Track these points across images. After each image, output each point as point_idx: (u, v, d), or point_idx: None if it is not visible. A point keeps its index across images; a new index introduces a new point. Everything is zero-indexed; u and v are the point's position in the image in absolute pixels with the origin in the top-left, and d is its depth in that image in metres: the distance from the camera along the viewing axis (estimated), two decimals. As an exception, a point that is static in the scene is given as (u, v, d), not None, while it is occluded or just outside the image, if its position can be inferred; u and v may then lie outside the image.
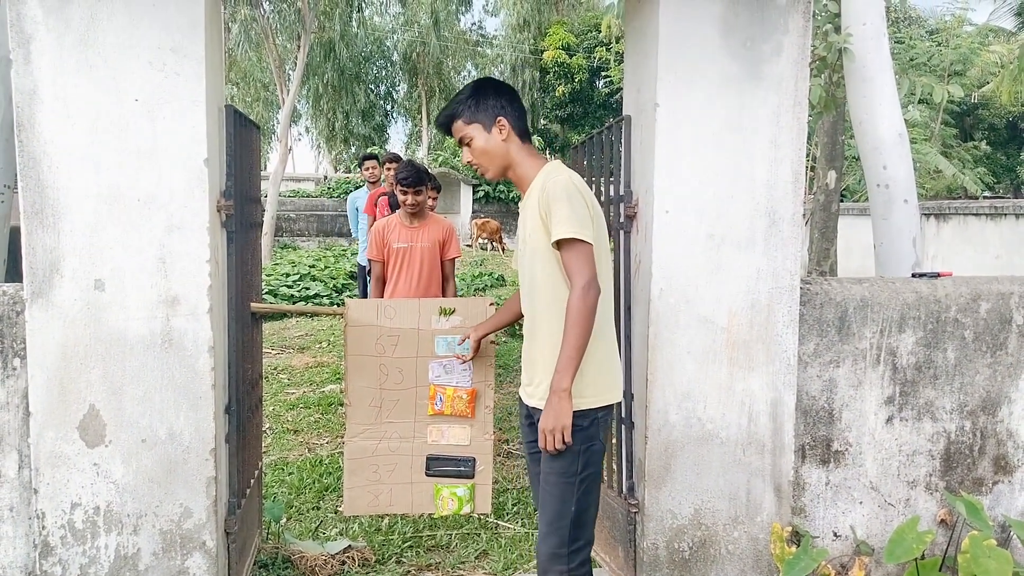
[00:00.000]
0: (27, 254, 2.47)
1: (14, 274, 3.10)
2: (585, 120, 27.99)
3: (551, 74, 27.96)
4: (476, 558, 3.41)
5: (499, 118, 2.35)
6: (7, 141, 3.45)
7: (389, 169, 6.39)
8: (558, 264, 2.24)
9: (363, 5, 25.45)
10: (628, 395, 3.01)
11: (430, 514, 3.31)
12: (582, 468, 2.25)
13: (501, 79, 2.61)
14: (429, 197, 4.83)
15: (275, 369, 6.88)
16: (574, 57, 27.13)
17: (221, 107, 2.71)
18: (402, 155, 8.37)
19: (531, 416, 2.42)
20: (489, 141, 2.36)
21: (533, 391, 2.36)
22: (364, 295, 6.74)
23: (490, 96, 2.37)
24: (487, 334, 2.91)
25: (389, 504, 3.11)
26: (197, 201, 2.54)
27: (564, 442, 2.17)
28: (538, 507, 2.38)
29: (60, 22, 2.42)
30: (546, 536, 2.29)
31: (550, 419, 2.17)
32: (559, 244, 2.18)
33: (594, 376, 2.28)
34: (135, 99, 2.48)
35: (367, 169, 7.23)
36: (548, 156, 2.45)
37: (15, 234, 3.05)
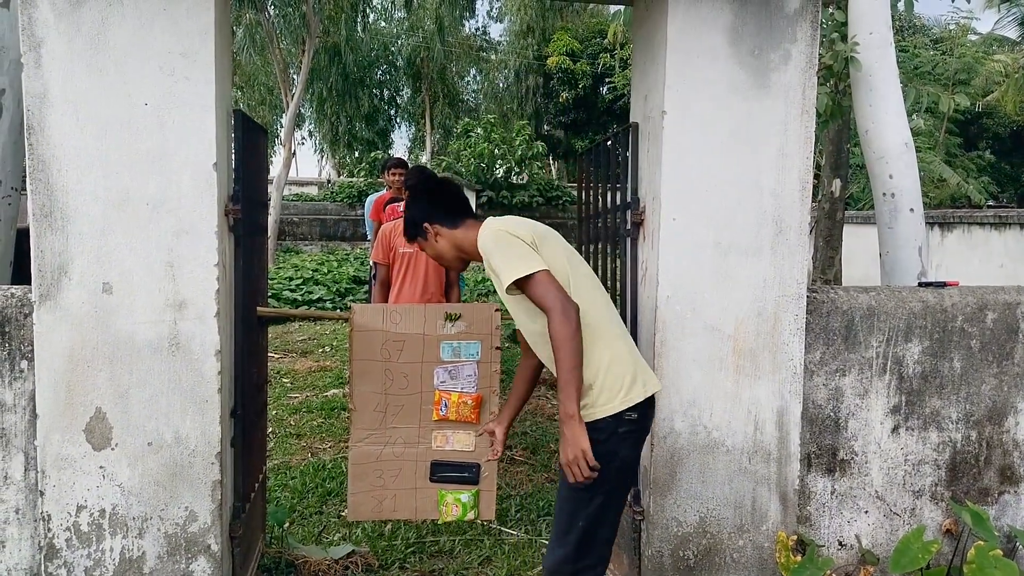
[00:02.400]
0: (35, 257, 2.48)
1: (21, 277, 3.10)
2: (589, 126, 28.00)
3: (555, 80, 27.98)
4: (479, 564, 3.41)
5: (425, 226, 2.46)
6: (15, 144, 3.46)
7: (395, 175, 6.38)
8: (531, 304, 2.23)
9: (368, 11, 25.52)
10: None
11: (434, 520, 3.30)
12: (597, 483, 2.16)
13: (432, 173, 2.66)
14: None
15: (278, 373, 6.88)
16: (578, 63, 27.14)
17: (230, 111, 2.72)
18: (406, 160, 8.31)
19: None
20: (433, 248, 2.49)
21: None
22: None
23: (413, 213, 2.49)
24: (509, 425, 2.84)
25: (393, 510, 3.10)
26: (205, 205, 2.54)
27: (591, 468, 2.10)
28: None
29: (71, 26, 2.43)
30: (552, 548, 2.27)
31: (568, 450, 2.11)
32: (518, 287, 2.18)
33: (600, 384, 2.21)
34: (145, 103, 2.49)
35: (395, 175, 6.81)
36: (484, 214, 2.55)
37: (23, 236, 3.05)
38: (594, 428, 2.18)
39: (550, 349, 2.18)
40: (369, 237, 7.40)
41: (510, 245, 2.22)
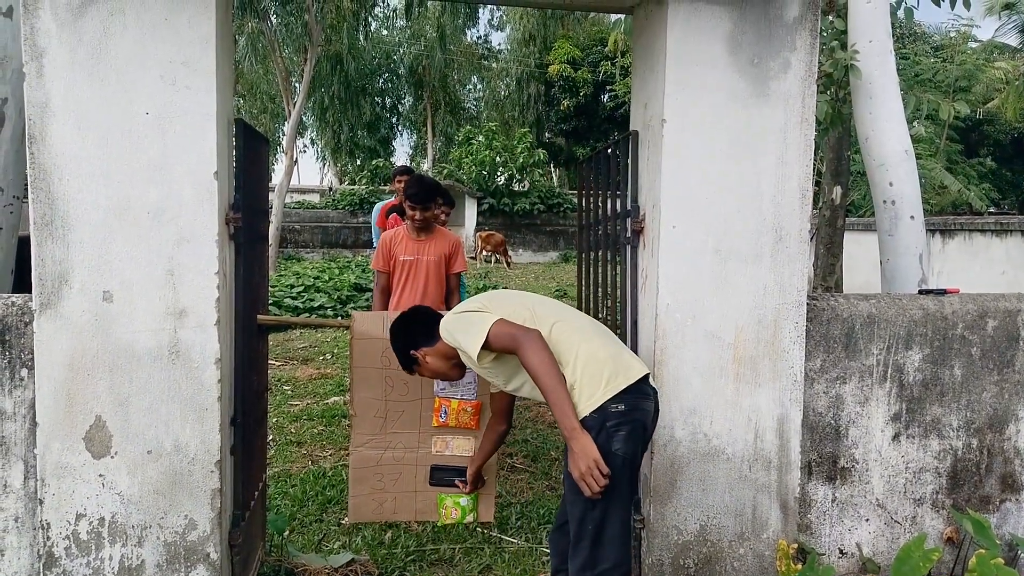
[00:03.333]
0: (36, 265, 2.48)
1: (22, 285, 3.11)
2: (590, 134, 28.06)
3: (556, 88, 28.08)
4: (480, 573, 3.40)
5: (412, 354, 2.61)
6: (17, 152, 3.47)
7: (399, 182, 6.39)
8: (504, 359, 2.40)
9: (370, 19, 25.61)
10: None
11: (433, 524, 3.30)
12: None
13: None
14: (442, 212, 4.85)
15: (279, 381, 6.88)
16: (579, 71, 27.23)
17: (231, 120, 2.73)
18: (412, 168, 8.30)
19: None
20: (430, 369, 2.62)
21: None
22: None
23: (400, 349, 2.64)
24: (481, 466, 3.03)
25: (393, 512, 3.11)
26: (206, 214, 2.55)
27: (604, 476, 2.13)
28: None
29: (73, 36, 2.45)
30: (572, 557, 2.31)
31: (579, 462, 2.14)
32: (486, 348, 2.32)
33: (579, 384, 2.26)
34: (146, 112, 2.50)
35: (400, 183, 6.88)
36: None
37: (24, 244, 3.06)
38: (584, 425, 2.20)
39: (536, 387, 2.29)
40: (374, 244, 7.39)
41: (461, 322, 2.42)
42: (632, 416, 2.26)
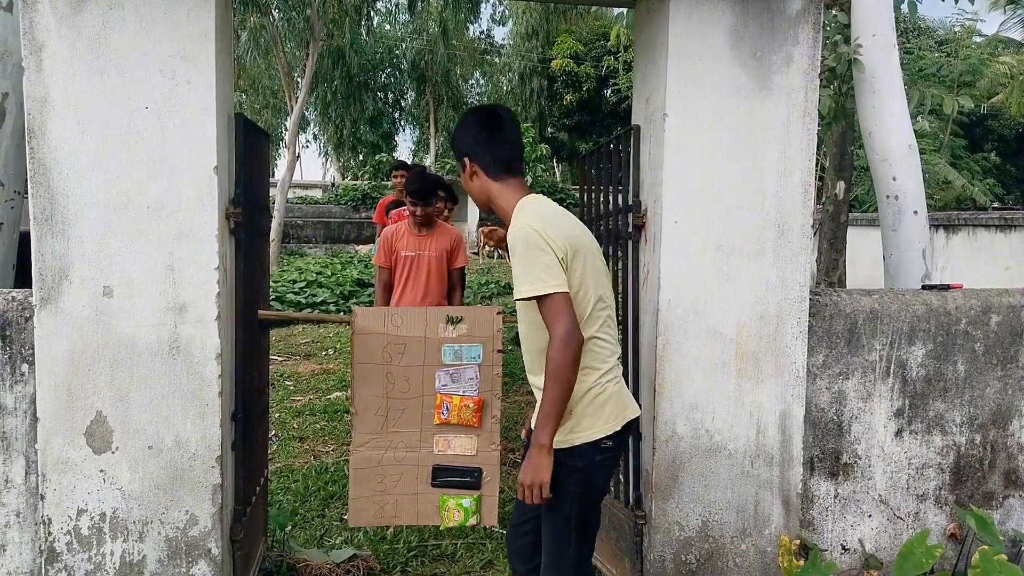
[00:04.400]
0: (36, 260, 2.48)
1: (23, 280, 3.10)
2: (593, 128, 28.01)
3: (559, 83, 28.03)
4: (482, 568, 3.40)
5: (464, 159, 2.32)
6: (18, 147, 3.47)
7: (396, 177, 6.40)
8: (536, 312, 2.14)
9: (372, 13, 25.55)
10: (635, 406, 2.99)
11: (436, 525, 3.29)
12: (578, 513, 2.19)
13: (493, 102, 2.59)
14: (447, 208, 4.85)
15: (281, 376, 6.88)
16: (582, 66, 27.17)
17: (231, 114, 2.72)
18: (409, 163, 8.32)
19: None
20: (466, 181, 2.35)
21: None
22: None
23: (460, 135, 2.35)
24: None
25: (395, 515, 3.09)
26: (206, 209, 2.54)
27: (543, 497, 2.09)
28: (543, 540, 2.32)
29: (72, 30, 2.44)
30: (546, 574, 2.28)
31: (528, 473, 2.09)
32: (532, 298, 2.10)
33: (580, 411, 2.17)
34: (145, 107, 2.49)
35: (396, 177, 6.98)
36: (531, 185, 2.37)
37: (24, 240, 3.06)
38: (574, 454, 2.15)
39: (540, 368, 2.17)
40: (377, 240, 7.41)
41: (538, 254, 2.08)
42: (616, 452, 2.27)
